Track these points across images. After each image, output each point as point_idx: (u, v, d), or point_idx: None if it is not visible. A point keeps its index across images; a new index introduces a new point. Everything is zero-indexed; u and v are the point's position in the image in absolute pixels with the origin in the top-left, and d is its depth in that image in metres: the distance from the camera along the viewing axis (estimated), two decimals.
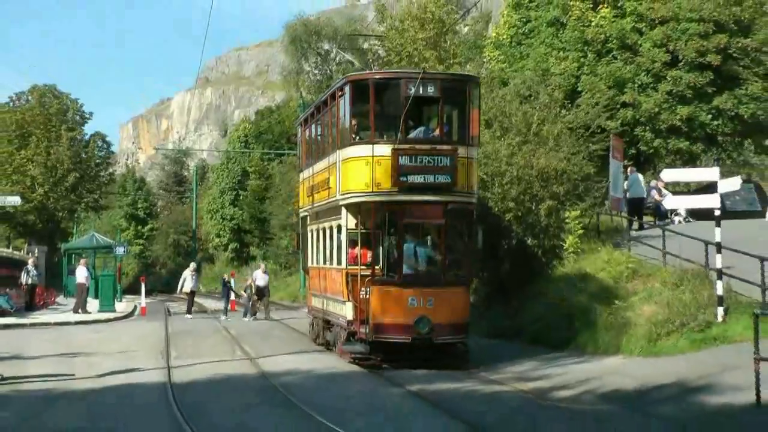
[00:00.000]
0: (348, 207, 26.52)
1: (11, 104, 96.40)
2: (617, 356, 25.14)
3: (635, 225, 40.93)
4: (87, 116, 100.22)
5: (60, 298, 60.46)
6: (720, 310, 25.53)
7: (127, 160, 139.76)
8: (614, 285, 29.74)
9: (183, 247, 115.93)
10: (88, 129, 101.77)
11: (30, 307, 52.86)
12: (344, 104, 26.67)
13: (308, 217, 34.87)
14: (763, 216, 45.51)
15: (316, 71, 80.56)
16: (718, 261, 25.91)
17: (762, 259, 25.34)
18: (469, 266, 26.77)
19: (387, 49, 66.34)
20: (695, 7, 48.52)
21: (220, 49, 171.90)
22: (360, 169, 25.47)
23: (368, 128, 26.53)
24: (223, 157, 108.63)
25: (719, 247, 26.05)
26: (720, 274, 25.88)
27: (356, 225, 26.71)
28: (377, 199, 25.21)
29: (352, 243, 27.26)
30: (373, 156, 24.98)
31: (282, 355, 30.19)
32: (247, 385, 24.36)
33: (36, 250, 72.66)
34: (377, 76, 26.75)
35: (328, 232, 30.19)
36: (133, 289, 69.26)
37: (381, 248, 27.14)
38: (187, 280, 50.49)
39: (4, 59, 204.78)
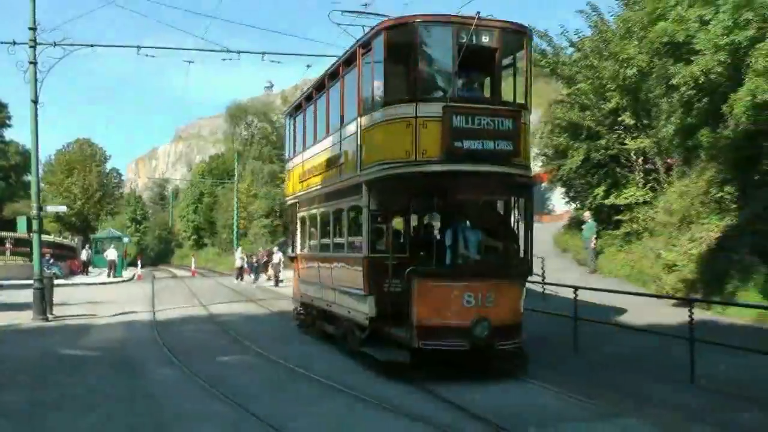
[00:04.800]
0: (373, 183, 14.10)
1: (63, 149, 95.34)
2: None
3: None
4: (107, 157, 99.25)
5: (90, 269, 59.34)
6: None
7: (131, 185, 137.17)
8: None
9: (164, 238, 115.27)
10: (108, 165, 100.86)
11: (77, 273, 54.40)
12: (373, 60, 14.17)
13: (298, 204, 20.86)
14: None
15: (245, 133, 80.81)
16: None
17: None
18: (530, 254, 14.12)
19: None
20: None
21: (188, 118, 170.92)
22: (398, 133, 13.30)
23: (404, 87, 14.09)
24: (189, 184, 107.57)
25: None
26: None
27: (381, 204, 14.57)
28: (423, 169, 13.00)
29: (375, 226, 15.03)
30: (416, 117, 13.01)
31: (224, 304, 29.87)
32: (199, 320, 24.13)
33: (76, 240, 72.63)
34: (419, 20, 13.39)
35: (332, 215, 17.32)
36: (133, 264, 68.18)
37: (421, 231, 16.13)
38: (237, 259, 48.95)
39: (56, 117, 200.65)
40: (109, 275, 51.46)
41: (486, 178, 13.31)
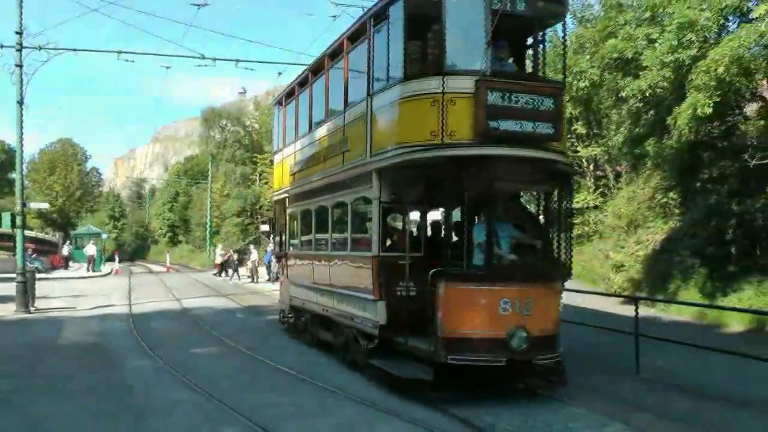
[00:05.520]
0: (385, 171, 11.68)
1: (46, 148, 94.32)
2: None
3: None
4: (88, 157, 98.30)
5: (71, 264, 58.71)
6: None
7: (110, 184, 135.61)
8: None
9: (140, 235, 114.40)
10: (89, 164, 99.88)
11: (58, 267, 53.70)
12: (388, 31, 11.53)
13: (288, 199, 18.04)
14: None
15: (219, 136, 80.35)
16: None
17: None
18: (569, 253, 11.50)
19: (259, 125, 67.11)
20: None
21: (165, 121, 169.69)
22: (420, 112, 10.85)
23: (427, 60, 12.27)
24: (165, 183, 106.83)
25: None
26: None
27: (394, 195, 12.19)
28: (453, 153, 10.58)
29: (387, 221, 12.88)
30: (443, 93, 10.58)
31: (196, 298, 29.78)
32: (173, 313, 24.02)
33: (57, 235, 72.17)
34: None
35: (332, 209, 14.34)
36: (110, 259, 67.59)
37: (434, 227, 13.49)
38: (218, 256, 47.94)
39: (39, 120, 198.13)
40: (88, 270, 50.97)
41: (526, 165, 10.80)
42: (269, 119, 62.76)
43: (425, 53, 12.40)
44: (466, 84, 10.49)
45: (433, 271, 10.62)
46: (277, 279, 37.39)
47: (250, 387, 11.99)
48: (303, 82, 16.76)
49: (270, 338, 18.22)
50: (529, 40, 12.26)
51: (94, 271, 50.84)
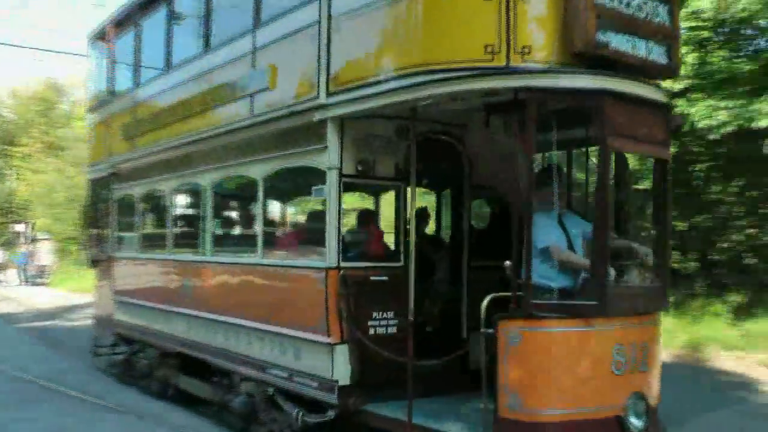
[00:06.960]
0: (356, 122, 6.59)
1: None
2: None
3: None
4: None
5: None
6: None
7: None
8: None
9: None
10: None
11: None
12: None
13: (117, 176, 12.18)
14: None
15: None
16: None
17: None
18: (666, 265, 6.06)
19: (16, 115, 62.73)
20: None
21: None
22: (461, 12, 5.32)
23: None
24: None
25: None
26: None
27: (365, 164, 6.80)
28: (539, 83, 5.20)
29: (362, 214, 8.07)
30: None
31: None
32: None
33: None
34: None
35: (215, 188, 9.05)
36: None
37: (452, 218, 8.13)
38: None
39: None
40: None
41: (646, 113, 5.86)
42: (26, 110, 58.66)
43: None
44: None
45: (488, 298, 5.82)
46: (36, 283, 34.60)
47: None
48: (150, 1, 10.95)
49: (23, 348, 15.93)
50: None
51: None
